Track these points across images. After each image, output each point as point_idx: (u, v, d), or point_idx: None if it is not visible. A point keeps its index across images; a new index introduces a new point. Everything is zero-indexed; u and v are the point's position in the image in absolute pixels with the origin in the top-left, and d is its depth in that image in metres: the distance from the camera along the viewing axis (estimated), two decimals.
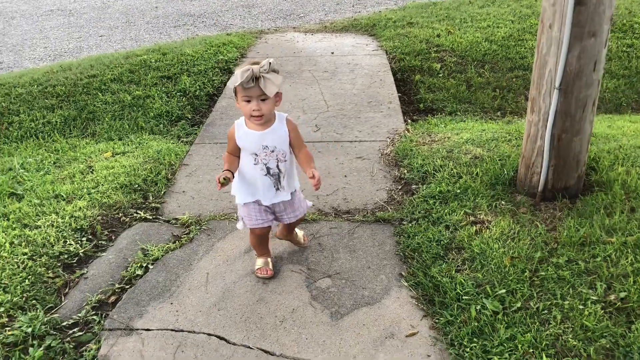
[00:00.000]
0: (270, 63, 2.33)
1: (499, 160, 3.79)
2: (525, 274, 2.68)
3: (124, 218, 3.48)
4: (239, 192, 2.68)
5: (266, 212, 2.71)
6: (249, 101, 2.40)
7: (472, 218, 3.20)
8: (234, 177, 2.58)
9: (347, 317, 2.61)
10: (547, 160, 3.21)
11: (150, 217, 3.50)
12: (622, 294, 2.50)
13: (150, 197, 3.73)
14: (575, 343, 2.28)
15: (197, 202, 3.67)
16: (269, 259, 2.95)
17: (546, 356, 2.22)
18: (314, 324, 2.56)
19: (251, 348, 2.44)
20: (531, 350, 2.27)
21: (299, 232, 3.12)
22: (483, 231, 3.06)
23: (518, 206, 3.29)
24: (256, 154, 2.55)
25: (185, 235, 3.29)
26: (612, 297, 2.50)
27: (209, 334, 2.52)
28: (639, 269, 2.63)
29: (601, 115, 5.24)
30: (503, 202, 3.33)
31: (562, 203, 3.26)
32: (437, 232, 3.11)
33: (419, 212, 3.35)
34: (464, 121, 4.97)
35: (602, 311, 2.43)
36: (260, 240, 2.85)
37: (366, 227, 3.31)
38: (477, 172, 3.67)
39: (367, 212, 3.47)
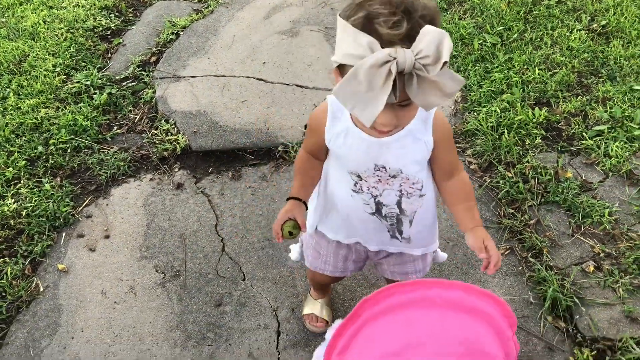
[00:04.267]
0: (442, 42, 0.88)
1: None
2: (520, 14, 3.04)
3: None
4: (315, 215, 1.46)
5: (353, 261, 1.52)
6: None
7: None
8: (308, 209, 1.39)
9: None
10: None
11: None
12: (603, 22, 2.90)
13: None
14: (562, 59, 2.71)
15: None
16: (324, 301, 1.85)
17: (538, 69, 2.66)
18: None
19: (288, 84, 2.84)
20: (525, 67, 2.71)
21: None
22: None
23: None
24: (359, 176, 1.28)
25: (205, 9, 3.52)
26: (595, 25, 2.90)
27: (248, 77, 2.89)
28: (619, 3, 3.01)
29: None
30: None
31: None
32: None
33: None
34: None
35: (586, 35, 2.84)
36: (320, 280, 1.72)
37: None
38: None
39: None
